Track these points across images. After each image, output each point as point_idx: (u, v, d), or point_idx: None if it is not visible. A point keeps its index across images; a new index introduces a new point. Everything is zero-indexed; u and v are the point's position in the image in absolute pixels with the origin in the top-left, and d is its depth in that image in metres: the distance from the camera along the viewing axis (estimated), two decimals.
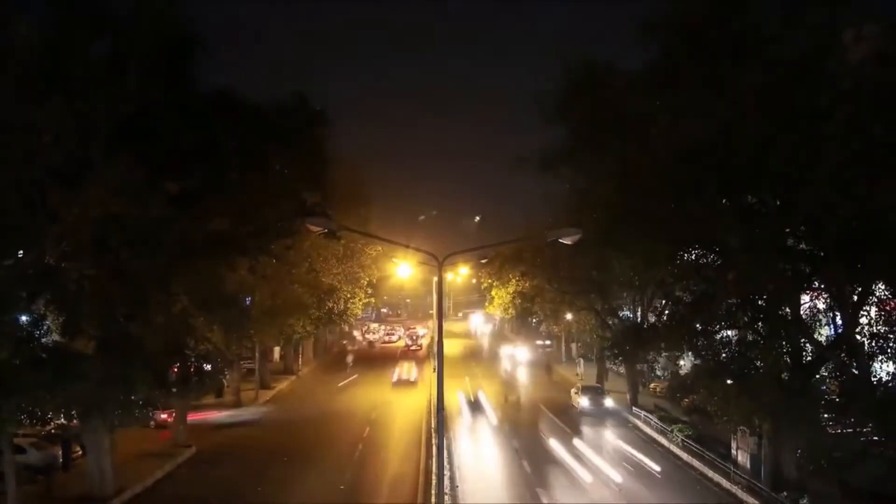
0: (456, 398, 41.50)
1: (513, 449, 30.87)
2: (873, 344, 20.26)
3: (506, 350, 66.87)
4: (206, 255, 22.63)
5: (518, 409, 39.98)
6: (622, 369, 43.25)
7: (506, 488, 25.33)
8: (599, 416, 37.70)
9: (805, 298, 22.96)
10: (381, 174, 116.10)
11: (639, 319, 38.18)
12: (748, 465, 25.57)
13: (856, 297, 20.69)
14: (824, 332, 23.28)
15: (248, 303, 31.75)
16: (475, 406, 39.78)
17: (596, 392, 40.09)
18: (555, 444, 31.22)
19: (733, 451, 27.11)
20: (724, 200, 22.05)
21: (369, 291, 55.93)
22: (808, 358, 22.72)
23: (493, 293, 56.52)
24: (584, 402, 38.83)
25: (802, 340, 22.63)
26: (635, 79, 23.66)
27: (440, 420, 16.50)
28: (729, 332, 24.47)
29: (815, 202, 18.46)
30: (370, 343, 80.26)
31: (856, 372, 20.37)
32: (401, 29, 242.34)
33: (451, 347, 65.79)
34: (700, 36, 20.13)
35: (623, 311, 41.98)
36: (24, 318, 20.04)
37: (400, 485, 25.39)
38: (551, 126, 27.34)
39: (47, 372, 18.46)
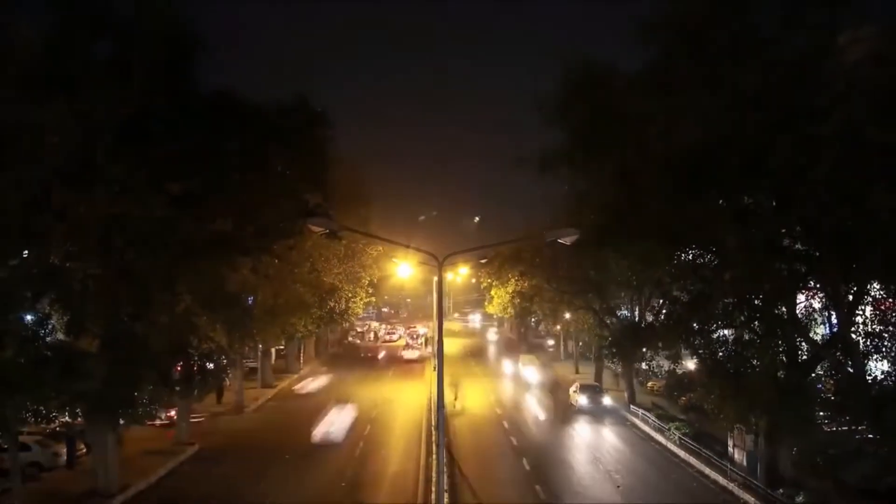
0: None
1: (512, 447, 31.08)
2: (868, 343, 20.46)
3: (508, 366, 59.32)
4: (208, 256, 22.74)
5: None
6: (620, 368, 43.49)
7: (505, 486, 25.56)
8: (597, 414, 37.96)
9: (801, 298, 23.11)
10: (382, 174, 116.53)
11: (637, 319, 38.39)
12: (745, 463, 25.74)
13: (851, 297, 20.85)
14: (820, 332, 23.45)
15: (250, 302, 31.87)
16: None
17: (594, 390, 40.29)
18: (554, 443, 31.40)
19: (730, 449, 27.28)
20: (721, 201, 22.21)
21: (370, 291, 56.03)
22: (804, 357, 22.94)
23: (492, 293, 56.76)
24: (582, 400, 39.04)
25: (798, 339, 22.84)
26: (635, 79, 23.66)
27: (440, 418, 16.72)
28: (726, 332, 24.63)
29: (811, 203, 18.64)
30: (375, 337, 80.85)
31: (851, 371, 20.51)
32: (401, 29, 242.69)
33: (451, 347, 65.87)
34: (700, 36, 20.10)
35: (621, 310, 42.18)
36: (29, 317, 20.22)
37: (401, 482, 25.61)
38: (551, 127, 27.47)
39: (52, 370, 18.64)
